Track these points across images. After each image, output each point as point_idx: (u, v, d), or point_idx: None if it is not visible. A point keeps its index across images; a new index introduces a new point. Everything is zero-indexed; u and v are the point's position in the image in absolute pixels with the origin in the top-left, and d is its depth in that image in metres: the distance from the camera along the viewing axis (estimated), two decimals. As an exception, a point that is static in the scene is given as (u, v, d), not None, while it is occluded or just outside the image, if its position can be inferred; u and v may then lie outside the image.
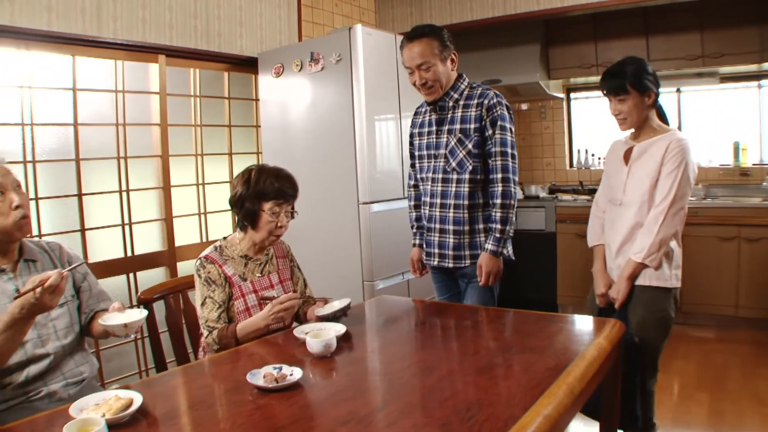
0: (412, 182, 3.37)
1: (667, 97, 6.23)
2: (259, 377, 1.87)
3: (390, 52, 4.49)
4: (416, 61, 2.93)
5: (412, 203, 3.36)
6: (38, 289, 1.81)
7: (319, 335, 2.21)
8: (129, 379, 4.05)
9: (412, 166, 3.33)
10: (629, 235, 2.79)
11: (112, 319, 2.03)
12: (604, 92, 2.83)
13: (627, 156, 2.86)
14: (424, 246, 3.23)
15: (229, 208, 2.71)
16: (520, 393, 1.73)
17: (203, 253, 2.62)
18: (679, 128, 6.14)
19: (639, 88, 2.72)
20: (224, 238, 2.74)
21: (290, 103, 4.69)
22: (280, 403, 1.74)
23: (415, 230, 3.34)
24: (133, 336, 2.06)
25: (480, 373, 1.94)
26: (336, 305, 2.57)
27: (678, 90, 6.17)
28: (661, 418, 3.60)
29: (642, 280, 2.74)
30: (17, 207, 2.09)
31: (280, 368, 1.91)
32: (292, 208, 2.68)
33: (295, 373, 1.89)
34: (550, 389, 1.72)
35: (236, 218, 2.70)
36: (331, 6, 5.81)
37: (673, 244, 2.73)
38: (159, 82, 4.36)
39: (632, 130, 2.88)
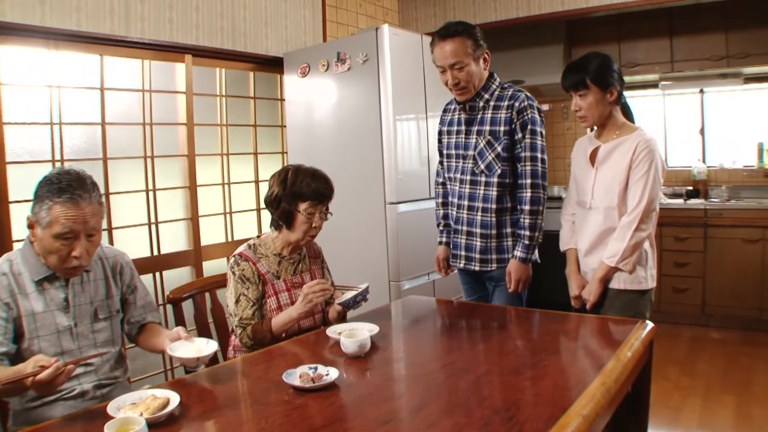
0: (440, 180, 3.28)
1: (690, 98, 6.15)
2: (295, 377, 1.84)
3: (416, 52, 4.42)
4: (449, 61, 2.81)
5: (440, 200, 3.28)
6: (29, 380, 1.68)
7: (352, 335, 2.17)
8: (155, 377, 4.01)
9: (441, 163, 3.24)
10: (598, 239, 2.72)
11: (181, 349, 1.95)
12: (565, 87, 2.73)
13: (593, 157, 2.77)
14: (451, 247, 3.15)
15: (264, 207, 2.68)
16: (557, 393, 1.72)
17: (237, 251, 2.59)
18: (702, 130, 6.05)
19: (600, 83, 2.63)
20: (258, 236, 2.70)
21: (316, 103, 4.63)
22: (318, 403, 1.72)
23: (441, 228, 3.26)
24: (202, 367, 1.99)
25: (516, 373, 1.93)
26: (352, 292, 2.54)
27: (701, 91, 6.04)
28: (686, 421, 3.58)
29: (616, 284, 2.67)
30: (75, 258, 1.98)
31: (316, 368, 1.88)
32: (327, 209, 2.63)
33: (331, 373, 1.86)
34: (588, 390, 1.70)
35: (270, 217, 2.66)
36: (355, 6, 5.75)
37: (647, 245, 2.67)
38: (185, 81, 4.32)
39: (595, 127, 2.80)
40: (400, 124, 4.26)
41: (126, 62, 3.99)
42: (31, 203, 1.99)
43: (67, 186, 1.94)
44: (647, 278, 2.67)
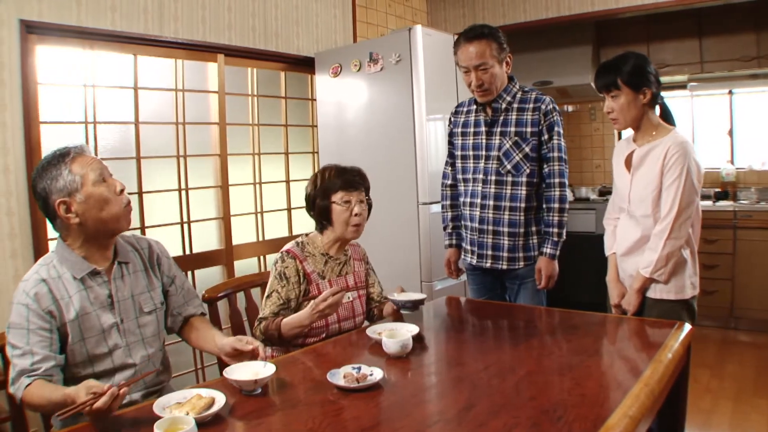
0: (448, 181, 3.23)
1: (719, 99, 5.96)
2: (339, 377, 1.81)
3: (448, 52, 4.25)
4: (474, 62, 2.83)
5: (448, 203, 3.23)
6: (87, 408, 1.57)
7: (393, 335, 2.11)
8: (185, 376, 3.92)
9: (451, 165, 3.21)
10: (635, 246, 2.60)
11: (239, 372, 1.84)
12: (597, 88, 2.61)
13: (628, 162, 2.64)
14: (475, 247, 3.07)
15: (295, 207, 2.60)
16: (602, 394, 1.72)
17: (286, 247, 2.52)
18: (731, 132, 5.87)
19: (632, 85, 2.49)
20: (306, 234, 2.63)
21: (348, 103, 4.53)
22: (364, 403, 1.70)
23: (450, 230, 3.22)
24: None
25: (558, 374, 1.92)
26: (412, 296, 2.46)
27: (730, 92, 5.86)
28: (718, 423, 3.48)
29: (653, 293, 2.55)
30: (122, 191, 1.97)
31: (359, 368, 1.84)
32: (365, 196, 2.56)
33: (375, 373, 1.82)
34: (632, 391, 1.68)
35: (315, 221, 2.61)
36: (385, 6, 5.64)
37: (687, 253, 2.53)
38: (218, 81, 4.23)
39: (630, 130, 2.67)
40: (433, 124, 4.16)
41: (159, 62, 3.92)
42: (42, 200, 1.93)
43: (63, 152, 1.92)
44: (685, 287, 2.54)
